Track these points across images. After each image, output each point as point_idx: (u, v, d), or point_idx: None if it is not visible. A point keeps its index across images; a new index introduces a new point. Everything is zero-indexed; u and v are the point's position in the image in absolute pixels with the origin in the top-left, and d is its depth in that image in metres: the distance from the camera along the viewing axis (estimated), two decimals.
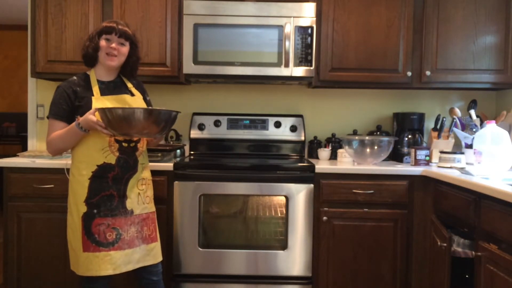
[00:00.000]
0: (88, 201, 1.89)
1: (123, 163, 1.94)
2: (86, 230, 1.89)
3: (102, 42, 1.95)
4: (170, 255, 2.47)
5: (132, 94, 2.07)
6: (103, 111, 1.78)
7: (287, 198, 2.49)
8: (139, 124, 1.80)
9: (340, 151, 2.73)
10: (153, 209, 2.08)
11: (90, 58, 1.99)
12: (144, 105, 2.09)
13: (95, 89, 1.96)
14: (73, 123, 1.86)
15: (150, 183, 2.09)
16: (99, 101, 1.93)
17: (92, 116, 1.81)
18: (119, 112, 1.77)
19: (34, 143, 3.12)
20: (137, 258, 1.96)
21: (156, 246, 2.05)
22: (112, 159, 1.92)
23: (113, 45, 1.95)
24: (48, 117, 1.96)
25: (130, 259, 1.94)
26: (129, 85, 2.10)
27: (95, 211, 1.89)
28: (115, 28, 1.95)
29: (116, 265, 1.90)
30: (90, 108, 1.90)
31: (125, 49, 2.01)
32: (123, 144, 1.95)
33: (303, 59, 2.64)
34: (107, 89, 2.00)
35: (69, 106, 1.93)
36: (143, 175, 2.03)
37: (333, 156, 2.89)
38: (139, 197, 1.99)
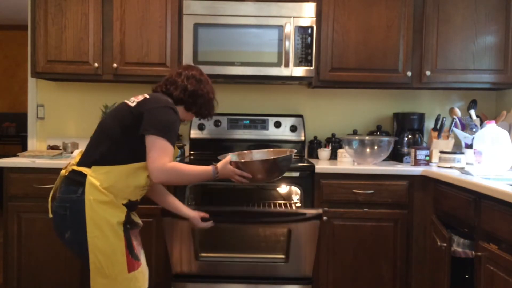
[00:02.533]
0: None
1: (142, 199, 1.89)
2: (130, 248, 1.74)
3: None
4: (171, 255, 2.47)
5: None
6: (246, 163, 1.85)
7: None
8: (276, 172, 1.92)
9: (340, 151, 2.73)
10: None
11: (194, 105, 1.94)
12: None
13: None
14: (209, 168, 1.80)
15: None
16: None
17: (234, 168, 1.83)
18: (268, 162, 1.88)
19: (34, 143, 3.12)
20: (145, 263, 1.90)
21: None
22: (140, 197, 1.85)
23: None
24: (158, 135, 1.68)
25: (146, 264, 1.89)
26: None
27: (128, 226, 1.76)
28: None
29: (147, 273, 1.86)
30: None
31: None
32: None
33: (303, 59, 2.64)
34: None
35: None
36: None
37: (333, 156, 2.89)
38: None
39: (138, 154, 1.72)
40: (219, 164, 1.83)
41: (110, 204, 1.69)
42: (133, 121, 1.72)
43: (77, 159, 1.83)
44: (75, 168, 1.74)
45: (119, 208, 1.71)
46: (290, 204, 2.95)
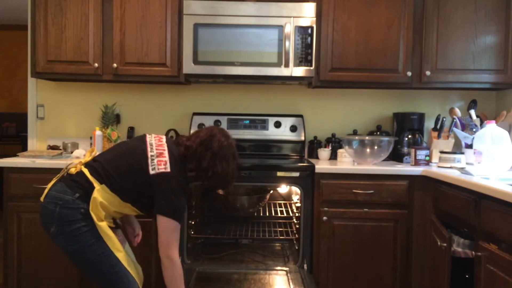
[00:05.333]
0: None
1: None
2: None
3: None
4: None
5: None
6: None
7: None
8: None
9: (340, 151, 2.73)
10: None
11: (204, 179, 1.95)
12: None
13: None
14: None
15: None
16: None
17: None
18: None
19: (34, 143, 3.12)
20: None
21: None
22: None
23: None
24: (171, 218, 1.82)
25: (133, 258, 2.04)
26: None
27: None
28: None
29: None
30: None
31: None
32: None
33: (303, 59, 2.64)
34: None
35: None
36: None
37: (333, 156, 2.89)
38: None
39: (135, 202, 1.85)
40: None
41: (100, 218, 1.78)
42: (146, 188, 1.81)
43: (87, 158, 1.89)
44: (87, 174, 1.80)
45: (108, 220, 1.83)
46: (290, 204, 2.95)
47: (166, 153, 1.85)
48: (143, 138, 1.94)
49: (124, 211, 1.88)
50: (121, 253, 1.79)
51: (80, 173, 1.81)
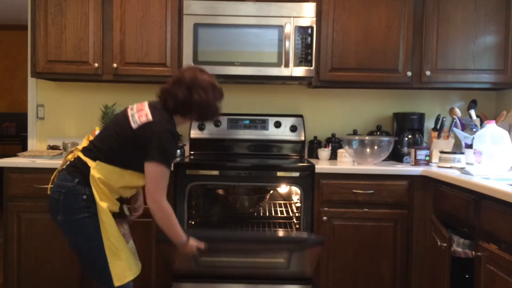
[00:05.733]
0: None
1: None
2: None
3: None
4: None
5: None
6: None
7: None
8: None
9: (340, 151, 2.73)
10: None
11: (189, 113, 1.91)
12: None
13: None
14: (184, 236, 1.86)
15: None
16: None
17: (195, 250, 1.91)
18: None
19: (34, 143, 3.12)
20: None
21: None
22: (130, 195, 1.97)
23: None
24: (158, 162, 1.77)
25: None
26: None
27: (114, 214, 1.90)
28: None
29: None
30: None
31: None
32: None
33: (303, 59, 2.64)
34: None
35: None
36: None
37: (333, 156, 2.88)
38: None
39: (133, 165, 1.84)
40: (191, 239, 1.89)
41: (105, 196, 1.81)
42: (133, 144, 1.80)
43: (84, 144, 1.93)
44: (81, 156, 1.84)
45: (113, 201, 1.84)
46: (290, 204, 2.95)
47: (146, 107, 1.86)
48: (126, 107, 1.95)
49: (130, 183, 1.87)
50: (109, 242, 1.78)
51: (77, 157, 1.87)
